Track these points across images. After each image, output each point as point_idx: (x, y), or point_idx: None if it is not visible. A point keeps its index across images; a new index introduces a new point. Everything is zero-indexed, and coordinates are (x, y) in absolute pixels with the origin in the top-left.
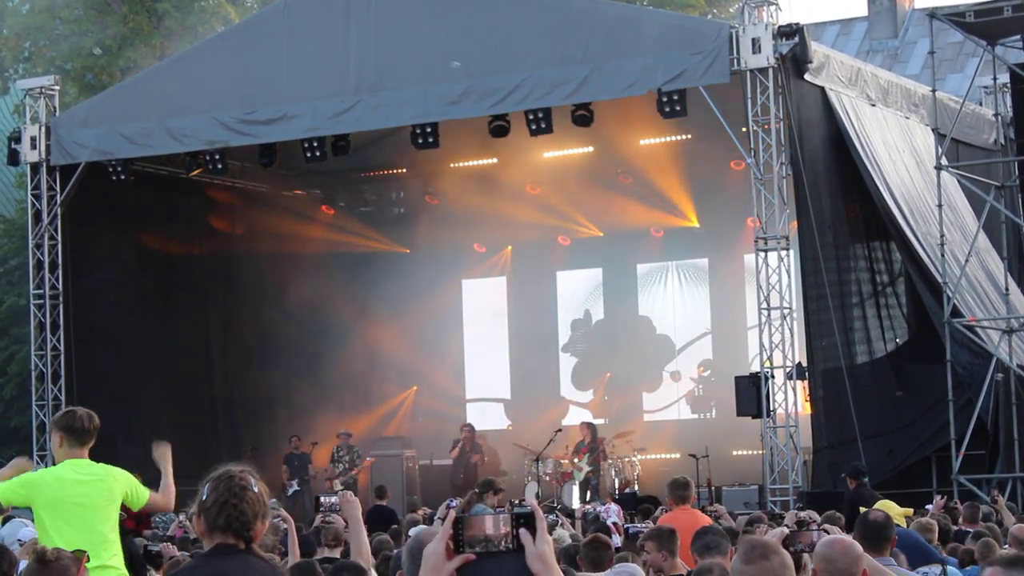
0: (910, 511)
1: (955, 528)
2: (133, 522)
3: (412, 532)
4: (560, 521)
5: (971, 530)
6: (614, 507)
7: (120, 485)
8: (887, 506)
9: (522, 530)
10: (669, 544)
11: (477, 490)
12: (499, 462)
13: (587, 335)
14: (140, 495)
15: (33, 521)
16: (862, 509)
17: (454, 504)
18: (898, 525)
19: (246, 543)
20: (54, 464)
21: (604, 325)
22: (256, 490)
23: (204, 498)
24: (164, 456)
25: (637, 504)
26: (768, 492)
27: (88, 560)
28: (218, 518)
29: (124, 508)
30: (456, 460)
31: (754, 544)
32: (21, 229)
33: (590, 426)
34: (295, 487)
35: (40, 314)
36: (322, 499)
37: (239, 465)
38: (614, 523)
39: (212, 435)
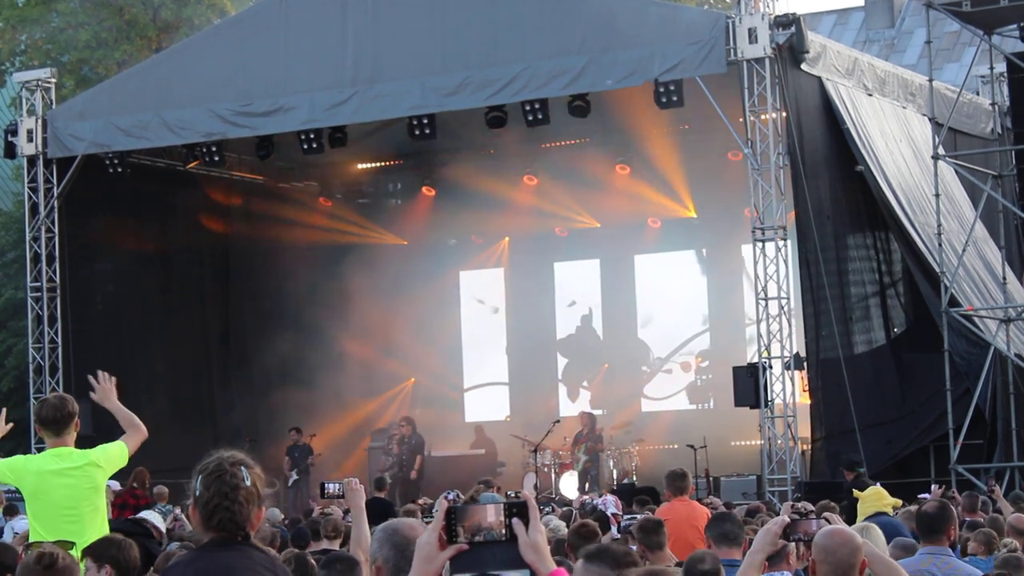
0: (899, 502)
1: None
2: (134, 499)
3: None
4: (553, 509)
5: (969, 519)
6: (611, 498)
7: (101, 468)
8: (878, 494)
9: (515, 520)
10: (654, 536)
11: (481, 483)
12: (497, 453)
13: (585, 326)
14: (120, 453)
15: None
16: (856, 493)
17: (451, 496)
18: (884, 513)
19: (243, 536)
20: None
21: (602, 316)
22: (249, 483)
23: (197, 494)
24: (105, 396)
25: (635, 495)
26: (766, 482)
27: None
28: (211, 519)
29: (128, 494)
30: (396, 456)
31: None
32: (18, 222)
33: (589, 416)
34: (295, 477)
35: (37, 307)
36: (327, 486)
37: (232, 452)
38: (613, 514)
39: (211, 426)
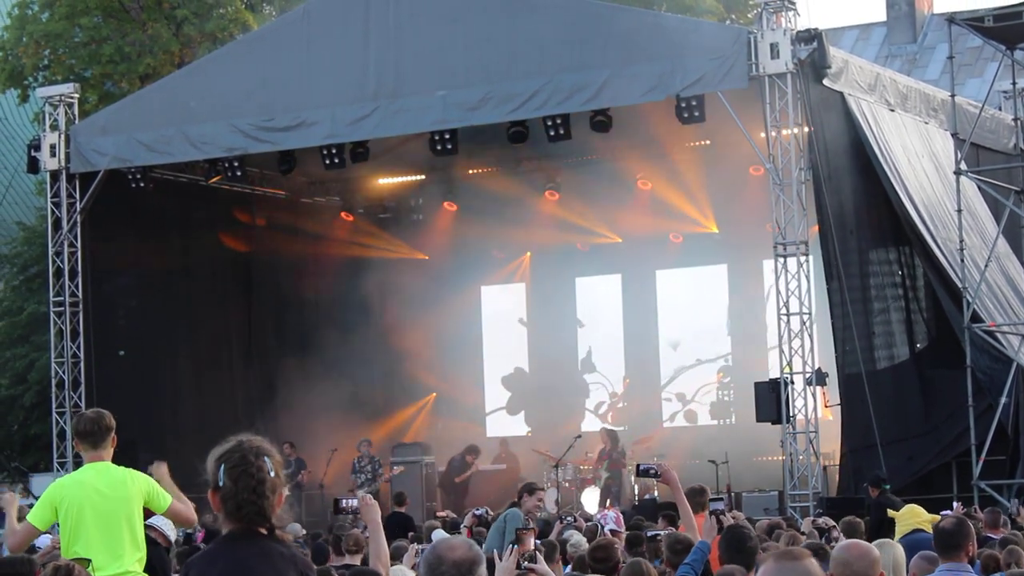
0: (936, 517)
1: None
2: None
3: (433, 536)
4: (575, 520)
5: (992, 536)
6: (611, 514)
7: (140, 488)
8: (913, 512)
9: None
10: (683, 557)
11: (516, 498)
12: (519, 469)
13: (606, 341)
14: (162, 498)
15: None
16: (891, 513)
17: (479, 512)
18: (923, 530)
19: (268, 528)
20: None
21: (623, 331)
22: (273, 474)
23: (221, 484)
24: (162, 476)
25: (658, 510)
26: (788, 498)
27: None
28: (239, 513)
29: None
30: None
31: (786, 549)
32: (41, 237)
33: (610, 432)
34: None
35: (60, 321)
36: (342, 502)
37: (251, 439)
38: (612, 530)
39: None
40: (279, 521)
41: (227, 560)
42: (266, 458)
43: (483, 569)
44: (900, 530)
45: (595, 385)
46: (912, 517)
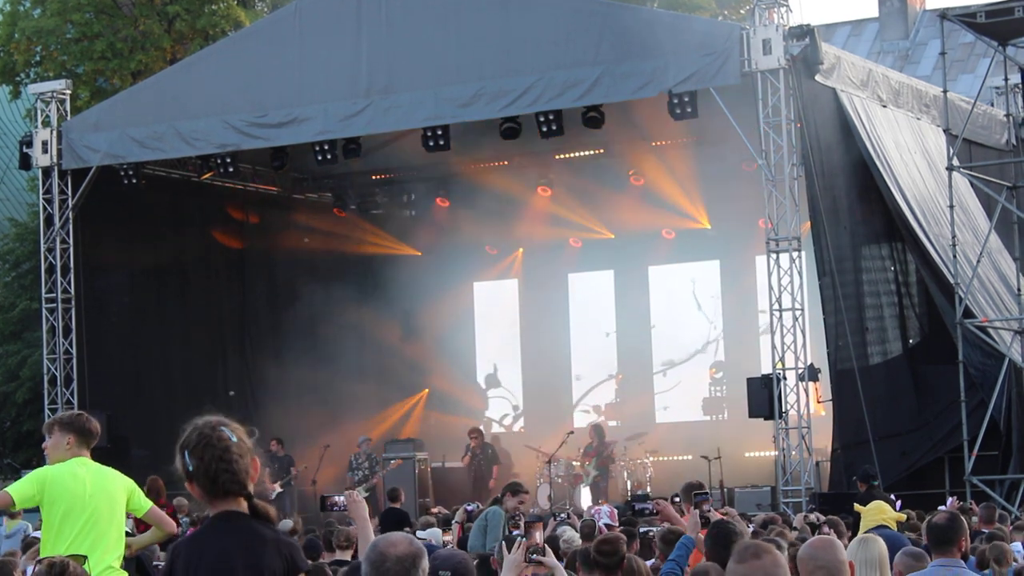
0: (903, 516)
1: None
2: (144, 526)
3: (421, 534)
4: (568, 516)
5: (986, 531)
6: (605, 508)
7: (123, 488)
8: (879, 508)
9: None
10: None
11: (499, 495)
12: (512, 464)
13: (599, 337)
14: (142, 502)
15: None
16: (857, 507)
17: (471, 508)
18: (886, 527)
19: (248, 501)
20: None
21: (616, 327)
22: (236, 439)
23: (191, 468)
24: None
25: None
26: (780, 494)
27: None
28: (215, 484)
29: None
30: (468, 467)
31: (747, 544)
32: (33, 233)
33: (597, 428)
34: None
35: (52, 318)
36: (329, 499)
37: (206, 418)
38: (607, 524)
39: None
40: (258, 489)
41: (212, 546)
42: (223, 428)
43: (426, 562)
44: (864, 525)
45: (583, 382)
46: (878, 513)
